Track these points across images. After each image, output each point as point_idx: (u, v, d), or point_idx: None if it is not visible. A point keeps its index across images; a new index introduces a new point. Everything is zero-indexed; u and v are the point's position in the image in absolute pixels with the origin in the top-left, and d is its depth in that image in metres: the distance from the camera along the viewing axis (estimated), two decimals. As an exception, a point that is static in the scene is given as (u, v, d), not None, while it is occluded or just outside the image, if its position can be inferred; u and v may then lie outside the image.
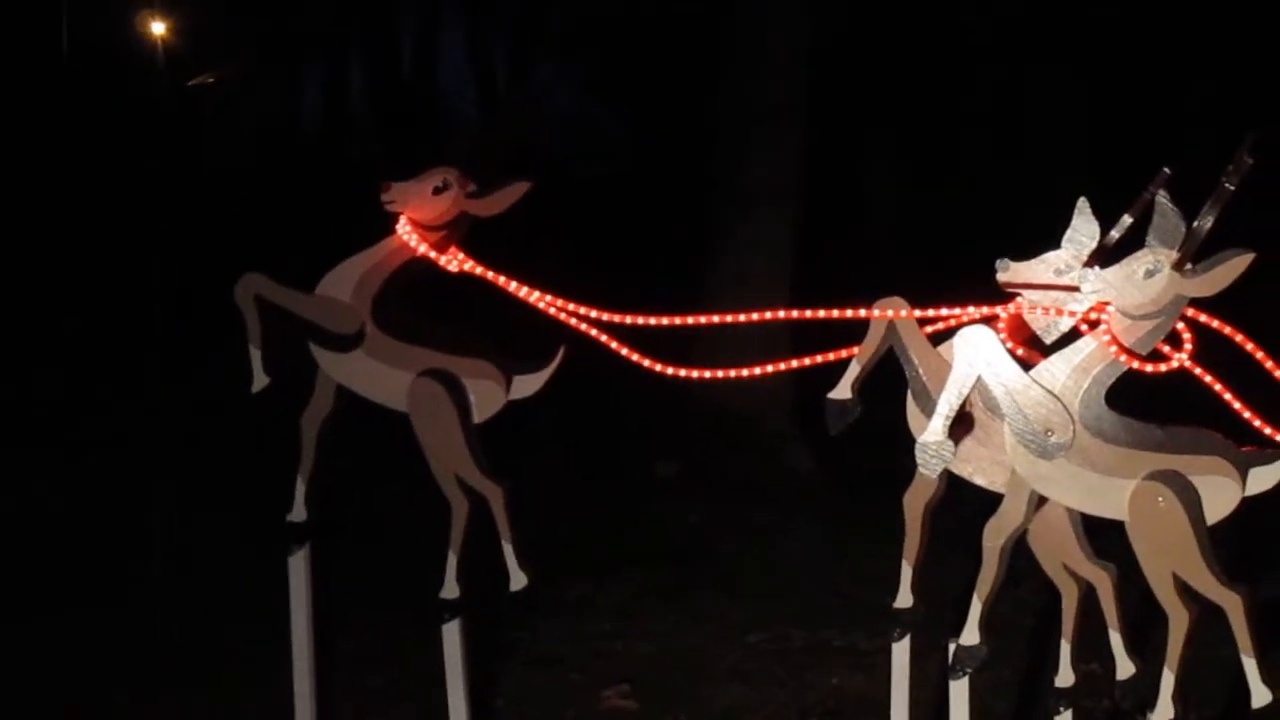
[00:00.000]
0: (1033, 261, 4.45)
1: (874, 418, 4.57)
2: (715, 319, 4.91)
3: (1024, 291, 4.47)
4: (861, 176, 14.76)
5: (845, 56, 12.75)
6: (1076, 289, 4.27)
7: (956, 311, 4.57)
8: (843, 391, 4.63)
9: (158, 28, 20.81)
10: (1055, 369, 4.27)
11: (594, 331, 4.85)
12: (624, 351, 4.83)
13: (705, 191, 9.88)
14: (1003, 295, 4.52)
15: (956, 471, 4.62)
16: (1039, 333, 4.51)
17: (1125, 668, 4.62)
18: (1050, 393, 4.24)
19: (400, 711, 6.03)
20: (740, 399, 9.02)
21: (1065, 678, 4.72)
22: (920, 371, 4.54)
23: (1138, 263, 4.15)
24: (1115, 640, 4.63)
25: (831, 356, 4.74)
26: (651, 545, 8.02)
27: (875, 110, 14.34)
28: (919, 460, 4.38)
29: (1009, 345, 4.42)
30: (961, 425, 4.53)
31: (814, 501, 8.65)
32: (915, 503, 4.78)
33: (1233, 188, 4.07)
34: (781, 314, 4.85)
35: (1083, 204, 4.47)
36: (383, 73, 22.06)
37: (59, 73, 15.75)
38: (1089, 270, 4.20)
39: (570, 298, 4.88)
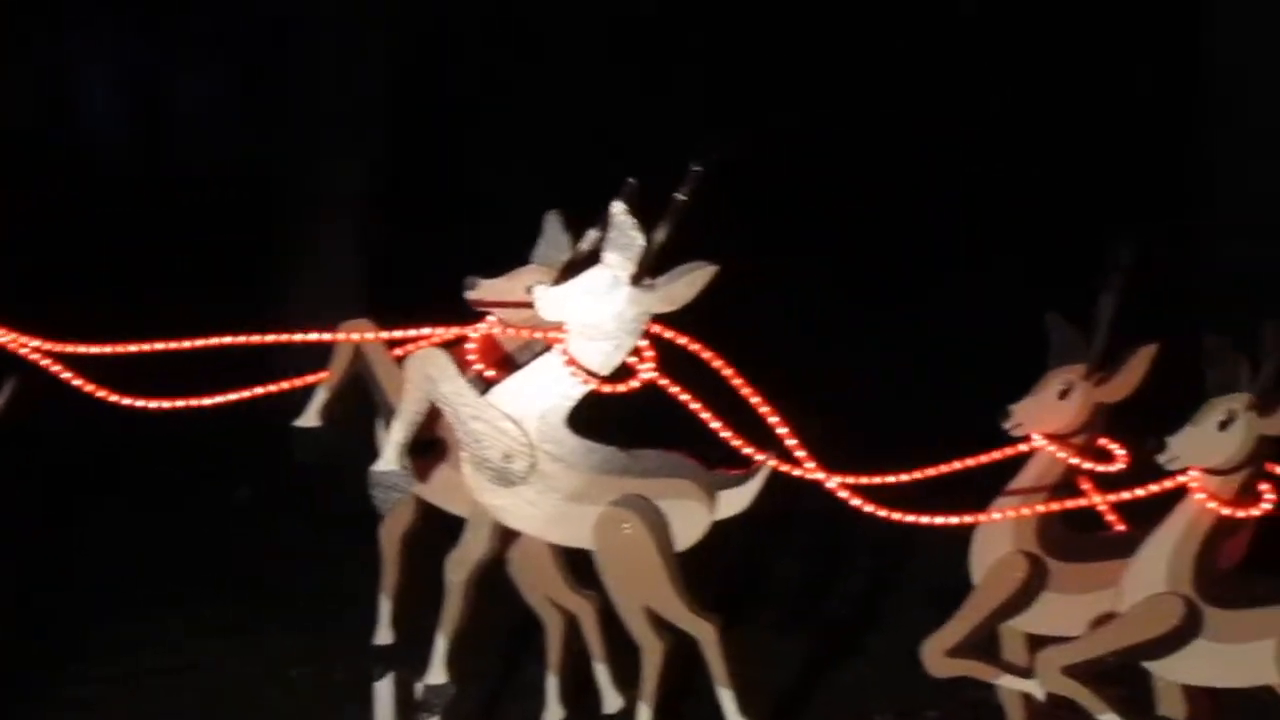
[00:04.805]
0: (503, 279, 4.25)
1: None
2: (156, 348, 4.52)
3: (497, 311, 4.27)
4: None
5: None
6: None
7: (425, 332, 4.34)
8: (309, 419, 4.37)
9: None
10: (513, 392, 4.03)
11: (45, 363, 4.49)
12: (77, 382, 4.48)
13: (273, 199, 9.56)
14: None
15: (431, 500, 4.40)
16: (513, 354, 4.31)
17: (612, 702, 4.45)
18: (507, 416, 4.01)
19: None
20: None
21: (555, 713, 4.55)
22: (388, 397, 4.30)
23: (593, 279, 3.96)
24: (600, 672, 4.45)
25: (300, 383, 4.47)
26: (220, 576, 7.64)
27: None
28: (371, 492, 4.12)
29: (480, 367, 4.21)
30: (436, 452, 4.32)
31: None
32: (391, 533, 4.55)
33: (685, 199, 3.91)
34: (200, 342, 4.47)
35: (551, 217, 4.29)
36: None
37: None
38: (542, 288, 4.00)
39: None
